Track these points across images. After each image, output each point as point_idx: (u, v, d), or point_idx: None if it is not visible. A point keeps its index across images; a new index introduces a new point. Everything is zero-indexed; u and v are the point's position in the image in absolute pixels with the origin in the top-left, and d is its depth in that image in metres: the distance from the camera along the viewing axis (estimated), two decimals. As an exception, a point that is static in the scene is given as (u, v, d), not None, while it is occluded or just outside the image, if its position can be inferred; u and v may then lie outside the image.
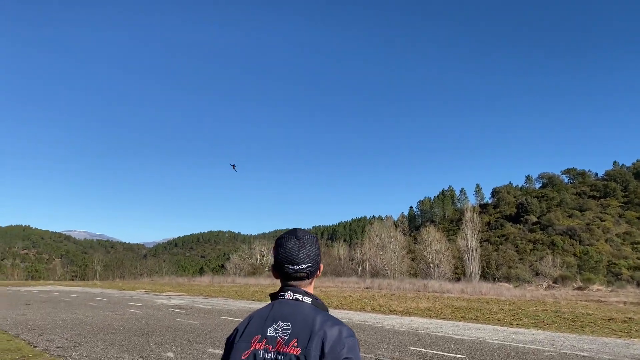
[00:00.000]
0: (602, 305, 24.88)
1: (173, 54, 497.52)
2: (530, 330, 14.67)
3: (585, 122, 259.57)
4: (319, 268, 1.78)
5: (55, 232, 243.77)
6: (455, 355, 10.17)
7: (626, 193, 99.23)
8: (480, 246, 60.89)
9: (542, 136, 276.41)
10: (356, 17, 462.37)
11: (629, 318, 17.60)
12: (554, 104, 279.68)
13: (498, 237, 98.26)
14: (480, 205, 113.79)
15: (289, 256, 1.71)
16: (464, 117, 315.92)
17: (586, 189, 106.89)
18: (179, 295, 34.79)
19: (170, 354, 10.09)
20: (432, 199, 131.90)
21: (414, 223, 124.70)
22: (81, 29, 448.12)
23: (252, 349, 1.58)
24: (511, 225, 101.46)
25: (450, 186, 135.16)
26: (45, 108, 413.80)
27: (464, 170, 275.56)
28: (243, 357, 1.57)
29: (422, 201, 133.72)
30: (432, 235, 58.18)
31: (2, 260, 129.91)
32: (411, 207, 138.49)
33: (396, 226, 70.95)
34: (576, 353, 10.47)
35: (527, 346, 11.39)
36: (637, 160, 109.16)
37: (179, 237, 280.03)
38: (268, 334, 1.59)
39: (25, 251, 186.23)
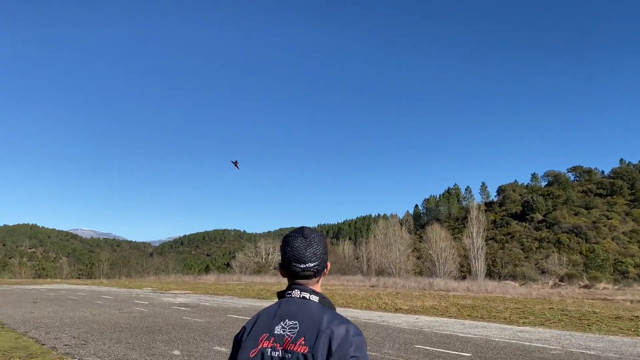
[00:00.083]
0: (608, 303, 24.76)
1: (173, 54, 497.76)
2: (536, 328, 14.62)
3: (591, 120, 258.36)
4: (326, 266, 1.78)
5: (62, 231, 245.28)
6: (461, 353, 10.16)
7: (633, 191, 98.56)
8: (486, 244, 60.71)
9: (548, 135, 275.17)
10: (356, 17, 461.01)
11: (636, 316, 17.50)
12: (557, 103, 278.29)
13: (504, 235, 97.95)
14: (485, 204, 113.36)
15: (296, 255, 1.71)
16: (465, 117, 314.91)
17: (592, 187, 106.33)
18: (185, 293, 34.92)
19: (176, 352, 10.13)
20: (438, 197, 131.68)
21: (419, 221, 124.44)
22: (81, 28, 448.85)
23: (259, 347, 1.59)
24: (517, 224, 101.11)
25: (455, 184, 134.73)
26: (51, 108, 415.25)
27: (469, 169, 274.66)
28: (251, 355, 1.59)
29: (428, 199, 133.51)
30: (437, 234, 58.08)
31: (9, 258, 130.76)
32: (416, 206, 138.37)
33: (401, 224, 70.85)
34: (583, 351, 10.42)
35: (534, 344, 11.35)
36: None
37: (184, 236, 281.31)
38: (275, 332, 1.59)
39: (33, 250, 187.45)
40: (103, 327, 14.37)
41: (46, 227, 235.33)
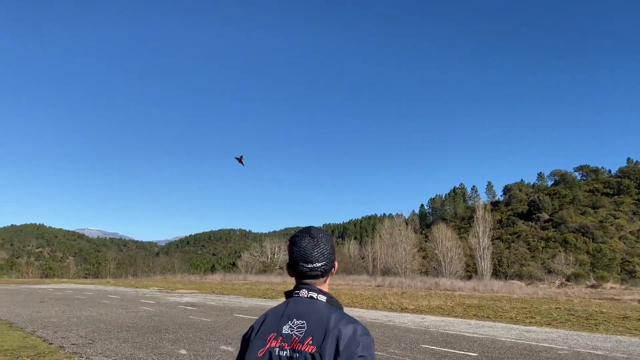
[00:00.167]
0: (615, 303, 24.61)
1: (173, 54, 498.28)
2: (543, 328, 14.56)
3: (595, 120, 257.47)
4: (333, 266, 1.79)
5: (68, 231, 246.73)
6: (468, 353, 10.14)
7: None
8: (492, 244, 60.53)
9: (553, 134, 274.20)
10: (356, 17, 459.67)
11: (644, 316, 17.39)
12: (558, 103, 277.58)
13: (510, 234, 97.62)
14: (491, 203, 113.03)
15: (303, 254, 1.72)
16: (466, 117, 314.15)
17: (599, 186, 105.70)
18: (191, 292, 35.03)
19: (183, 351, 10.17)
20: (444, 196, 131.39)
21: (425, 221, 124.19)
22: (81, 28, 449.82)
23: (267, 346, 1.60)
24: (523, 223, 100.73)
25: (461, 184, 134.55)
26: (56, 108, 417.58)
27: (475, 168, 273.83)
28: (259, 355, 1.60)
29: (433, 199, 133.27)
30: (443, 233, 57.93)
31: (17, 258, 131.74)
32: (422, 205, 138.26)
33: (407, 224, 70.73)
34: (590, 351, 10.37)
35: (540, 344, 11.31)
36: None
37: (190, 235, 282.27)
38: (283, 331, 1.60)
39: (40, 249, 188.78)
40: (110, 326, 14.44)
41: (53, 227, 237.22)
